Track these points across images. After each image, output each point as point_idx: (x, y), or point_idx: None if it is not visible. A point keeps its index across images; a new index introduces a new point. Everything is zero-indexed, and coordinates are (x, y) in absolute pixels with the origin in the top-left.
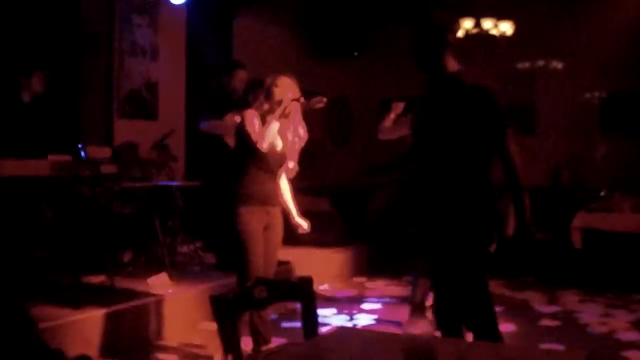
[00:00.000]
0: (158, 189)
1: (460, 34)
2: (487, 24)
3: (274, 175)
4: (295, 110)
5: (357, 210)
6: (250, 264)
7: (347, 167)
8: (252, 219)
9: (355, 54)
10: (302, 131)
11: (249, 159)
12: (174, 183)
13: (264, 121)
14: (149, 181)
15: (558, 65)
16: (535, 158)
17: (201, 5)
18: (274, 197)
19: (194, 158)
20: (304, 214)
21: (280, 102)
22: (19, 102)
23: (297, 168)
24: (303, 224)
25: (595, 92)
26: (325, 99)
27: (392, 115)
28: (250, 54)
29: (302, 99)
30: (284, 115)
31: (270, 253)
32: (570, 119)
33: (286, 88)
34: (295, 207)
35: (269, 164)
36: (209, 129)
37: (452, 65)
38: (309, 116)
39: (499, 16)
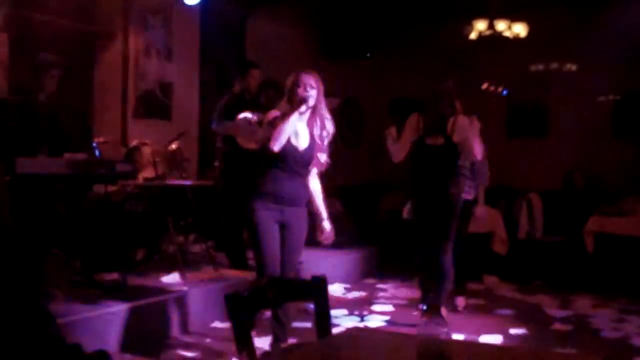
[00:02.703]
0: (171, 189)
1: (473, 35)
2: (501, 25)
3: (296, 175)
4: (320, 104)
5: (368, 211)
6: (264, 259)
7: (359, 168)
8: (266, 215)
9: (368, 54)
10: (329, 124)
11: (268, 158)
12: (187, 183)
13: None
14: (162, 181)
15: (572, 67)
16: (548, 160)
17: (215, 6)
18: (293, 198)
19: (207, 158)
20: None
21: (301, 101)
22: (35, 102)
23: (328, 160)
24: (327, 229)
25: (609, 94)
26: (337, 100)
27: (390, 140)
28: (263, 55)
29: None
30: (301, 111)
31: (287, 253)
32: (584, 121)
33: (308, 85)
34: (325, 210)
35: (289, 163)
36: (221, 130)
37: None
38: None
39: (513, 18)
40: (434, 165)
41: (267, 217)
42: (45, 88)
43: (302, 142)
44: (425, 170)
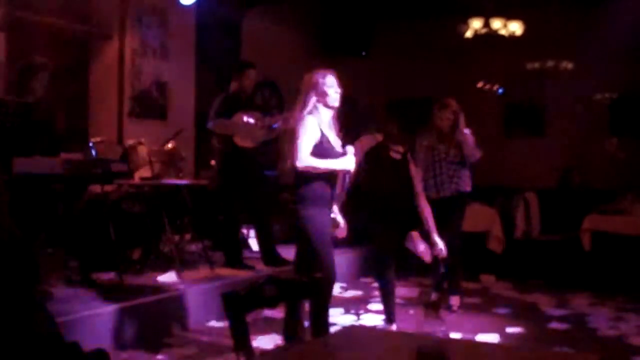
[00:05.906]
0: (167, 188)
1: (469, 34)
2: (496, 24)
3: None
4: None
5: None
6: (332, 263)
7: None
8: (329, 220)
9: (363, 53)
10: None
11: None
12: (183, 182)
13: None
14: (158, 180)
15: (568, 66)
16: (544, 159)
17: (210, 6)
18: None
19: (203, 157)
20: None
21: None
22: (29, 102)
23: None
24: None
25: (605, 93)
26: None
27: None
28: (259, 54)
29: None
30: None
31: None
32: (580, 120)
33: (336, 85)
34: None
35: None
36: (217, 129)
37: None
38: None
39: (508, 16)
40: (394, 173)
41: (330, 223)
42: (34, 91)
43: (337, 145)
44: (384, 178)
